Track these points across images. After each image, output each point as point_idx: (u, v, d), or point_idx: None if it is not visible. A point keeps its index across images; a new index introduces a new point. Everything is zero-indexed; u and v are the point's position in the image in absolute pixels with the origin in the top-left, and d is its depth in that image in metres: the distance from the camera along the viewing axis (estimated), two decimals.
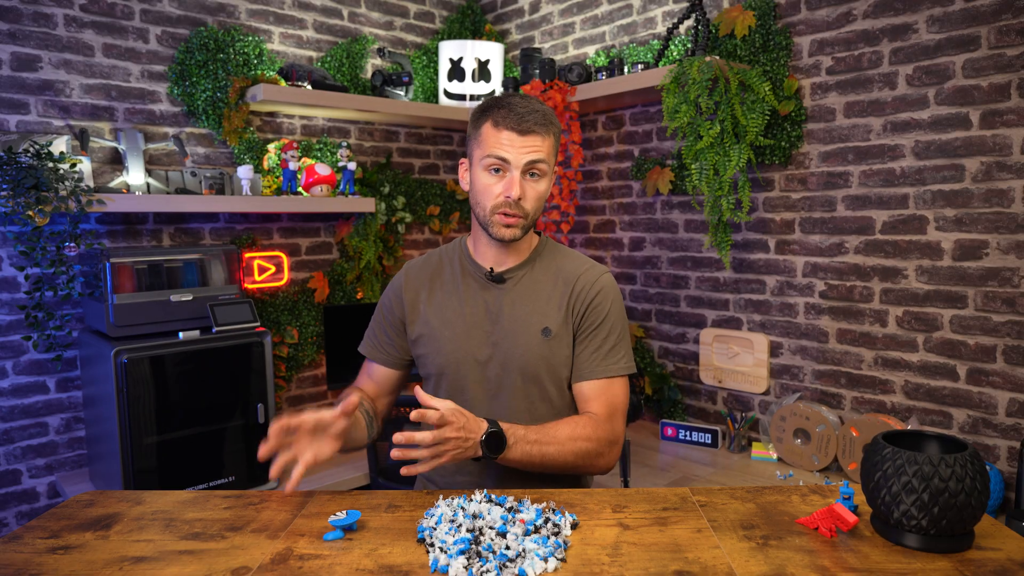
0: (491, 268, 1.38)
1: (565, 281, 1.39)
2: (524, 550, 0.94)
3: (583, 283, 1.38)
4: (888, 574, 0.89)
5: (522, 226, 1.31)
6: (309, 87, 2.56)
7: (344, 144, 2.70)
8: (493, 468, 1.35)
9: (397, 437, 1.09)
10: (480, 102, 1.38)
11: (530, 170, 1.29)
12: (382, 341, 1.46)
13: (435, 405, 1.13)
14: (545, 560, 0.92)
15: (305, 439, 1.15)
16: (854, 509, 1.05)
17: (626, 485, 1.88)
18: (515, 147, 1.28)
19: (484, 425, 1.17)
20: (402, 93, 2.88)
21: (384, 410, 1.48)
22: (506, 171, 1.29)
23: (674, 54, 2.51)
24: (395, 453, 1.11)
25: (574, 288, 1.37)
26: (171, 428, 1.96)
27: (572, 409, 1.40)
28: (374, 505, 1.14)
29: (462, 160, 1.40)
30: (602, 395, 1.34)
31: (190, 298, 2.09)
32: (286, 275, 2.71)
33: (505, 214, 1.29)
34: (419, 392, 1.15)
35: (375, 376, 1.47)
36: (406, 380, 1.50)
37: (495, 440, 1.17)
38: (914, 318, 2.07)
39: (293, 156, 2.52)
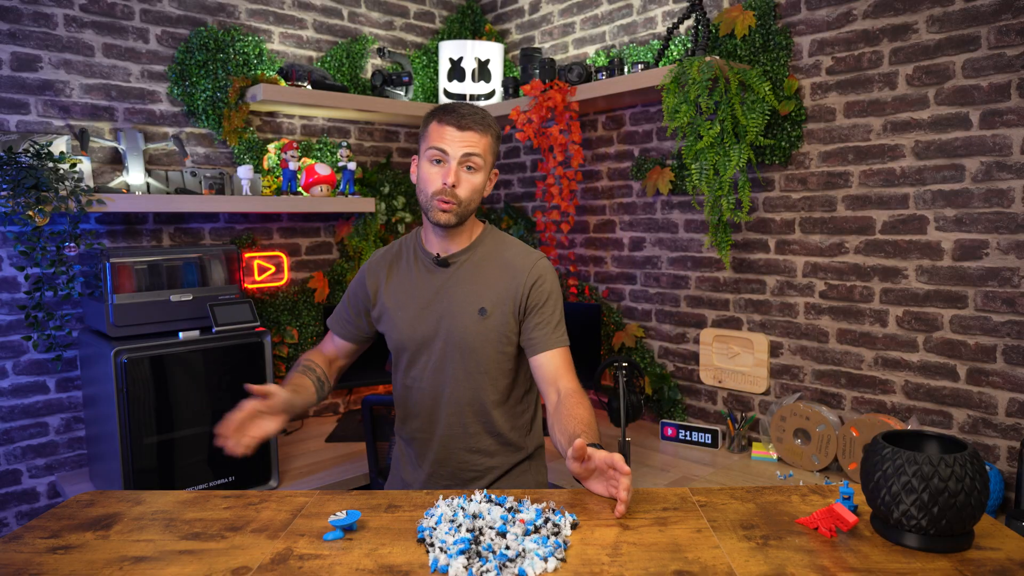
0: (438, 254, 1.55)
1: (506, 267, 1.54)
2: (524, 550, 0.94)
3: (523, 269, 1.53)
4: (888, 574, 0.89)
5: (456, 212, 1.47)
6: (309, 87, 2.55)
7: (344, 144, 2.70)
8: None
9: (620, 510, 1.09)
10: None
11: (466, 163, 1.45)
12: (343, 318, 1.69)
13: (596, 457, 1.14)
14: (545, 560, 0.92)
15: (249, 425, 1.33)
16: (854, 509, 1.05)
17: None
18: (455, 141, 1.44)
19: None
20: (402, 93, 2.88)
21: (340, 370, 1.71)
22: (445, 162, 1.45)
23: (674, 54, 2.51)
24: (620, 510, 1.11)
25: (516, 275, 1.53)
26: (171, 428, 1.96)
27: (509, 376, 1.56)
28: (374, 505, 1.14)
29: (413, 157, 1.56)
30: (564, 364, 1.49)
31: (190, 298, 2.09)
32: (286, 275, 2.71)
33: (442, 200, 1.45)
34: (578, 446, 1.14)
35: (336, 344, 1.71)
36: (362, 351, 1.73)
37: None
38: (914, 318, 2.07)
39: (293, 156, 2.52)
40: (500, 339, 1.52)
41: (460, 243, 1.56)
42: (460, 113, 1.46)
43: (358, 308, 1.66)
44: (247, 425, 1.33)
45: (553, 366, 1.49)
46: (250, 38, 2.58)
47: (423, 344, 1.55)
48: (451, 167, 1.44)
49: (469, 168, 1.47)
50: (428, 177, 1.48)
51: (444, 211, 1.46)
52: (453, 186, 1.44)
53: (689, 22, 2.52)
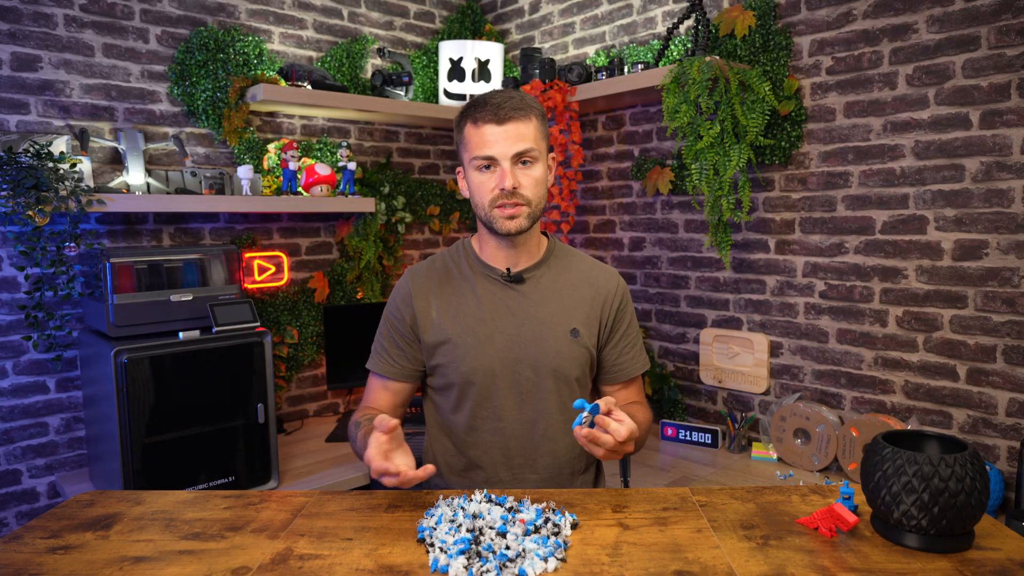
0: (508, 268, 1.37)
1: (588, 283, 1.41)
2: (524, 550, 0.94)
3: (608, 287, 1.42)
4: (888, 574, 0.89)
5: (526, 215, 1.30)
6: (309, 87, 2.55)
7: (344, 144, 2.70)
8: (531, 463, 1.36)
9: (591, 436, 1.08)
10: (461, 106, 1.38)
11: (520, 159, 1.29)
12: (394, 355, 1.40)
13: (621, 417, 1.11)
14: (545, 560, 0.92)
15: (392, 455, 1.10)
16: (854, 509, 1.05)
17: (626, 485, 1.88)
18: (499, 141, 1.27)
19: None
20: (402, 93, 2.88)
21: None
22: (496, 166, 1.29)
23: (674, 54, 2.51)
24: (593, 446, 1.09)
25: (599, 292, 1.41)
26: (171, 428, 1.96)
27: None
28: (374, 505, 1.14)
29: (458, 169, 1.39)
30: (636, 386, 1.46)
31: (190, 298, 2.09)
32: (286, 275, 2.71)
33: (503, 206, 1.28)
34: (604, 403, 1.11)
35: (386, 394, 1.41)
36: (416, 390, 1.46)
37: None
38: (914, 318, 2.07)
39: (293, 156, 2.52)
40: (589, 362, 1.39)
41: (531, 255, 1.38)
42: (495, 104, 1.27)
43: (408, 337, 1.39)
44: (390, 455, 1.09)
45: (628, 392, 1.43)
46: (250, 38, 2.58)
47: (501, 374, 1.34)
48: (504, 169, 1.27)
49: (525, 163, 1.29)
50: (480, 187, 1.30)
51: (511, 216, 1.28)
52: (514, 188, 1.27)
53: (689, 22, 2.52)
